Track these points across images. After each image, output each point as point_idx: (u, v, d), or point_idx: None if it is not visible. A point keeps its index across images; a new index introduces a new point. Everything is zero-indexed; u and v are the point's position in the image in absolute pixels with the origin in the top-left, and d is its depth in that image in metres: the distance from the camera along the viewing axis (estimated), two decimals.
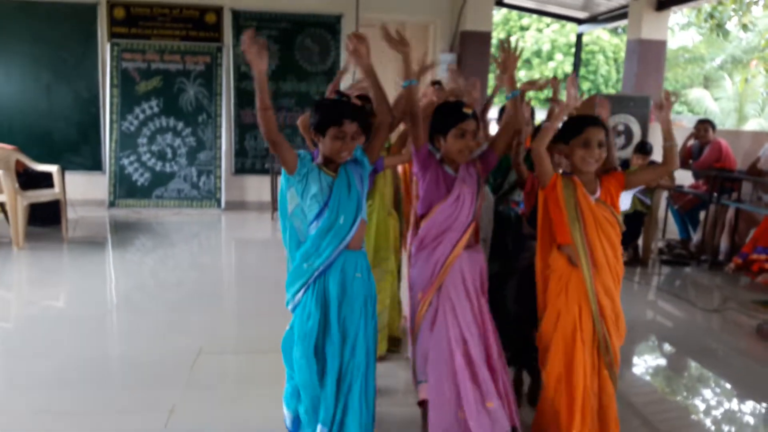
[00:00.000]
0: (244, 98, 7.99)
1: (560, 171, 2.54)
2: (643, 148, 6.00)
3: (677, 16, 17.86)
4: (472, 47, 8.19)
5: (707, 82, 19.21)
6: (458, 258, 2.49)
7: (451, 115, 2.48)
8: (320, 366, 2.35)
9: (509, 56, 2.55)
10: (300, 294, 2.36)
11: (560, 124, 2.49)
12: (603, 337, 2.37)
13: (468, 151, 2.49)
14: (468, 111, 2.46)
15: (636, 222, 5.85)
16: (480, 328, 2.51)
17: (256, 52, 2.11)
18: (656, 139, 7.29)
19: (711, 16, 8.62)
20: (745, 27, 8.84)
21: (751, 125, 16.58)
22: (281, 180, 2.39)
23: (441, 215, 2.49)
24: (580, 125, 2.41)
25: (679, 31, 20.16)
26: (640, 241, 6.03)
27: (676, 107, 20.85)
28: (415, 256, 2.59)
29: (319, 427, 2.35)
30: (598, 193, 2.41)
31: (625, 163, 6.15)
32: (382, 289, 3.28)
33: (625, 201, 5.50)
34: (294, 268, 2.37)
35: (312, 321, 2.32)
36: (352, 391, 2.35)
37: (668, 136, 2.42)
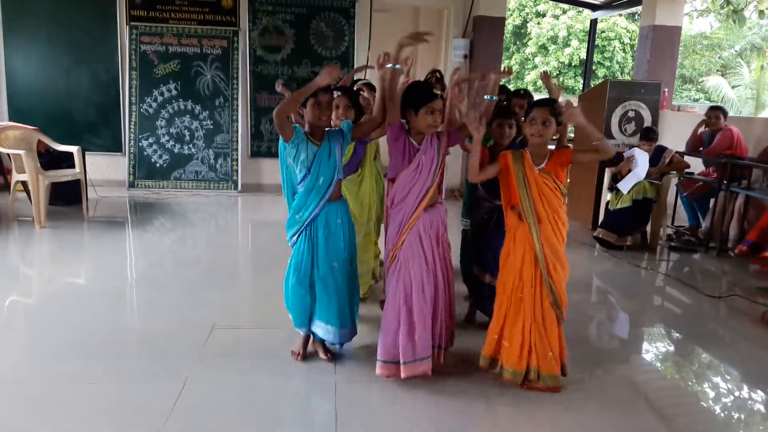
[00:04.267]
0: (260, 82, 8.09)
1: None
2: (647, 135, 6.02)
3: (696, 2, 17.64)
4: (485, 33, 8.18)
5: (725, 70, 19.00)
6: (418, 219, 2.91)
7: (424, 94, 2.85)
8: (310, 289, 3.09)
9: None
10: (295, 237, 3.08)
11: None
12: (546, 277, 2.88)
13: (434, 127, 2.88)
14: (437, 92, 2.84)
15: (644, 208, 5.89)
16: (432, 276, 2.96)
17: (329, 73, 2.74)
18: (666, 126, 7.32)
19: (727, 2, 8.51)
20: (761, 13, 8.70)
21: None
22: (279, 144, 3.05)
23: (403, 181, 2.91)
24: (530, 107, 2.94)
25: (697, 17, 19.92)
26: (648, 227, 6.08)
27: (693, 94, 20.66)
28: (388, 214, 3.03)
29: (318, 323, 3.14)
30: (543, 164, 2.91)
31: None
32: (367, 242, 4.09)
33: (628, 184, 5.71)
34: (290, 217, 3.07)
35: (305, 257, 3.05)
36: (334, 291, 3.07)
37: (594, 137, 2.86)
